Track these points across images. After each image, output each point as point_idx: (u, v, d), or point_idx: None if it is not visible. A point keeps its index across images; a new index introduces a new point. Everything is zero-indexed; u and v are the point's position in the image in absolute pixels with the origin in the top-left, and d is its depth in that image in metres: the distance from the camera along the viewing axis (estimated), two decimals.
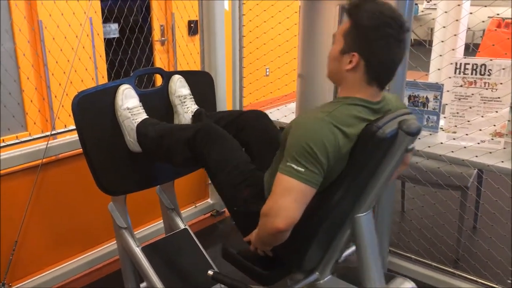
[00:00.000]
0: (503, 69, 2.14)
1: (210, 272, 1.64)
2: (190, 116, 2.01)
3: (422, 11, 9.61)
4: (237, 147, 1.70)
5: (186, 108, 2.03)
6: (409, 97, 2.43)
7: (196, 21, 2.92)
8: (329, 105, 1.42)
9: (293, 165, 1.30)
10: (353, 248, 1.66)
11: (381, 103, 1.44)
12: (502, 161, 2.06)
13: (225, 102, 2.85)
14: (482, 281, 2.27)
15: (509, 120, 2.18)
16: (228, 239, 1.69)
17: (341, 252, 1.60)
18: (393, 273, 1.69)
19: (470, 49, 3.69)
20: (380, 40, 1.34)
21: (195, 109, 2.03)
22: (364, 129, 1.36)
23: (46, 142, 2.18)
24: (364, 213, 1.48)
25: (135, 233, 2.09)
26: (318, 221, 1.45)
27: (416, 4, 9.69)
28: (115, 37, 3.84)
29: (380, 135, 1.34)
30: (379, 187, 1.47)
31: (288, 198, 1.30)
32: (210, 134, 1.69)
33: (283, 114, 2.70)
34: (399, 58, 1.38)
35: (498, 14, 2.42)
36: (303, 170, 1.29)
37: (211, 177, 1.68)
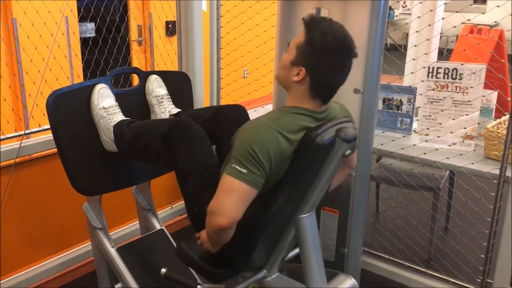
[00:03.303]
0: (474, 73, 2.20)
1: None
2: (168, 116, 2.00)
3: (397, 16, 9.77)
4: (209, 148, 1.71)
5: (163, 108, 2.02)
6: (384, 100, 2.48)
7: (174, 21, 2.91)
8: (276, 113, 1.50)
9: (237, 167, 1.38)
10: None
11: (325, 112, 1.54)
12: (472, 163, 2.12)
13: (202, 102, 2.85)
14: (453, 280, 2.33)
15: (479, 123, 2.24)
16: (188, 239, 1.73)
17: (288, 251, 1.70)
18: (337, 271, 1.79)
19: (444, 54, 3.77)
20: (326, 64, 1.44)
21: (174, 111, 2.02)
22: (304, 135, 1.45)
23: (19, 142, 2.15)
24: (307, 214, 1.57)
25: (110, 234, 2.07)
26: (263, 223, 1.52)
27: (392, 9, 9.84)
28: (91, 36, 3.80)
29: (319, 141, 1.43)
30: (320, 189, 1.56)
31: (231, 197, 1.38)
32: (186, 130, 1.69)
33: (260, 115, 2.70)
34: (342, 81, 1.50)
35: (469, 20, 2.49)
36: (245, 171, 1.38)
37: (179, 176, 1.69)
